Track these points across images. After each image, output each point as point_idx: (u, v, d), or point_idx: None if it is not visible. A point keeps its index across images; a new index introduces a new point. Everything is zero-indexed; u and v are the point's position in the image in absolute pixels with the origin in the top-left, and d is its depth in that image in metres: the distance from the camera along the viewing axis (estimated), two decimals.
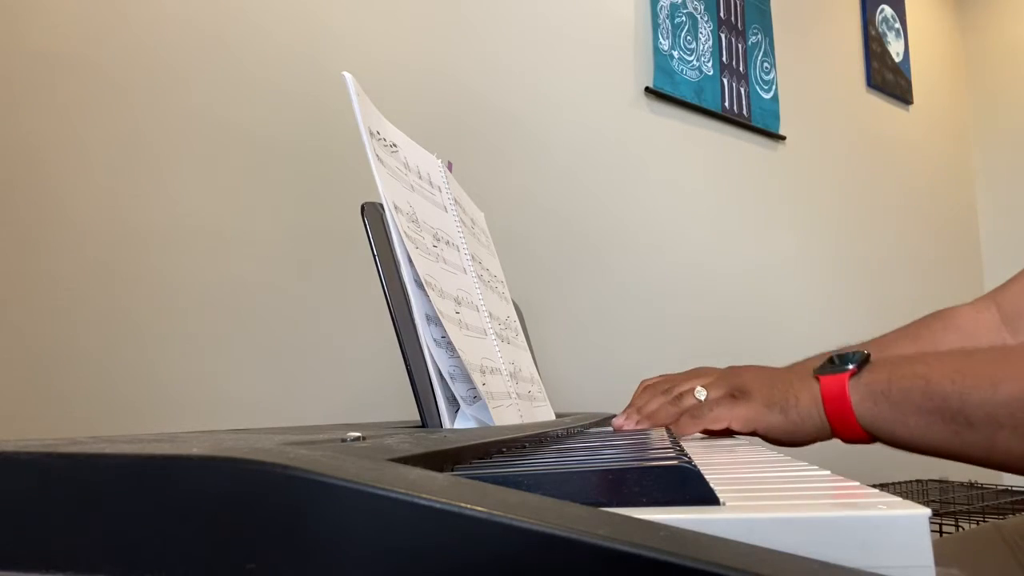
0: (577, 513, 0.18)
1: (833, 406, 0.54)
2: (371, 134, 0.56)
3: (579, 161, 1.54)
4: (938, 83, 2.77)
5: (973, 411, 0.47)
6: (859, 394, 0.53)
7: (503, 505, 0.18)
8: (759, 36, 1.97)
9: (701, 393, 0.61)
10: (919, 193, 2.57)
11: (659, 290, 1.65)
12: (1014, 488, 2.00)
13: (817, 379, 0.55)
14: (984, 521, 1.59)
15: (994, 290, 0.84)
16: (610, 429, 0.73)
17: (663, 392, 0.66)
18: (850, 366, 0.54)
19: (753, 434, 0.58)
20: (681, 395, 0.63)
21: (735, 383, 0.61)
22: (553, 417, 0.79)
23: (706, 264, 1.77)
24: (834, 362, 0.56)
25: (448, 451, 0.32)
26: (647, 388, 0.78)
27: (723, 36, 1.86)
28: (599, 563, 0.16)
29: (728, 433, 0.61)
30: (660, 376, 0.81)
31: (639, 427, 0.63)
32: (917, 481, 2.08)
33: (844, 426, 0.54)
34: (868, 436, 0.53)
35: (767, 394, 0.58)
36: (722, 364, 0.91)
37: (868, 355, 0.55)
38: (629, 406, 0.77)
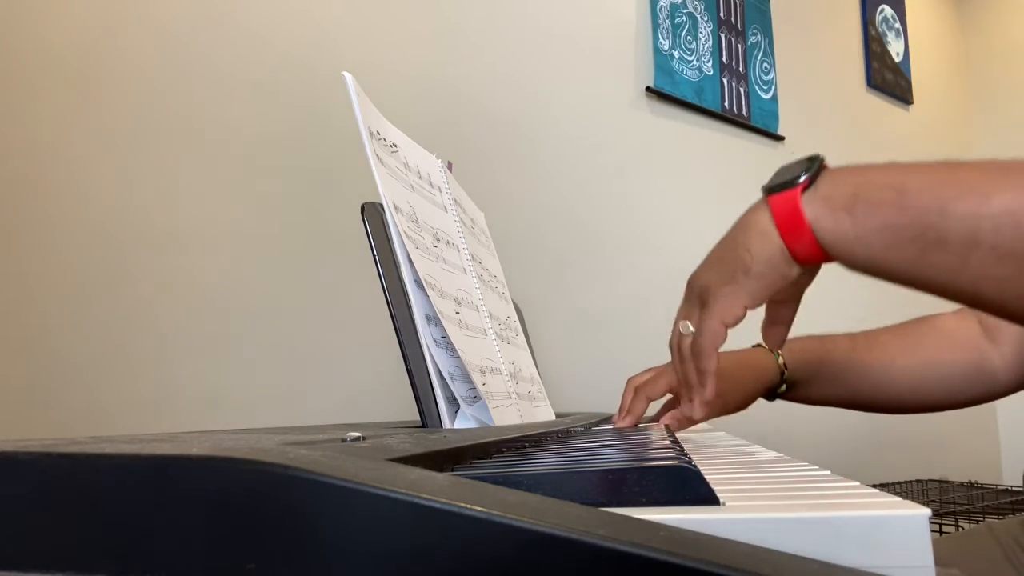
0: (577, 513, 0.18)
1: (786, 227, 0.47)
2: (371, 134, 0.56)
3: (579, 161, 1.54)
4: (938, 83, 2.77)
5: (953, 225, 0.41)
6: (815, 208, 0.46)
7: (503, 505, 0.18)
8: (759, 36, 1.97)
9: (685, 326, 0.55)
10: None
11: (659, 290, 1.65)
12: (1014, 488, 2.00)
13: (767, 201, 0.48)
14: (984, 521, 1.59)
15: None
16: (610, 429, 0.73)
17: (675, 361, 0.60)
18: (802, 177, 0.46)
19: (757, 307, 0.53)
20: (678, 343, 0.57)
21: (693, 290, 0.55)
22: (553, 417, 0.79)
23: None
24: (780, 177, 0.49)
25: (448, 451, 0.32)
26: (644, 384, 0.76)
27: (723, 36, 1.86)
28: (599, 563, 0.16)
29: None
30: (646, 370, 0.80)
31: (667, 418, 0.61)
32: (917, 481, 2.08)
33: (800, 244, 0.47)
34: (826, 255, 0.47)
35: (722, 273, 0.52)
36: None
37: (822, 161, 0.48)
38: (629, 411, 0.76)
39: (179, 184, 1.01)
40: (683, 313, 0.57)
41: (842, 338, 0.83)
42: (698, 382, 0.55)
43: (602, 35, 1.62)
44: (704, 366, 0.54)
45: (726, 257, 0.52)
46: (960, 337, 0.79)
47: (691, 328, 0.55)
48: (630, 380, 0.79)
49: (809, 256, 0.47)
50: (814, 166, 0.47)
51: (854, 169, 0.47)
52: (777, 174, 0.49)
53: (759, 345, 0.83)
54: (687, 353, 0.56)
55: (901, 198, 0.42)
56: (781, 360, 0.81)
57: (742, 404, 0.80)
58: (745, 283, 0.50)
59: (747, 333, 0.72)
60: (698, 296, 0.54)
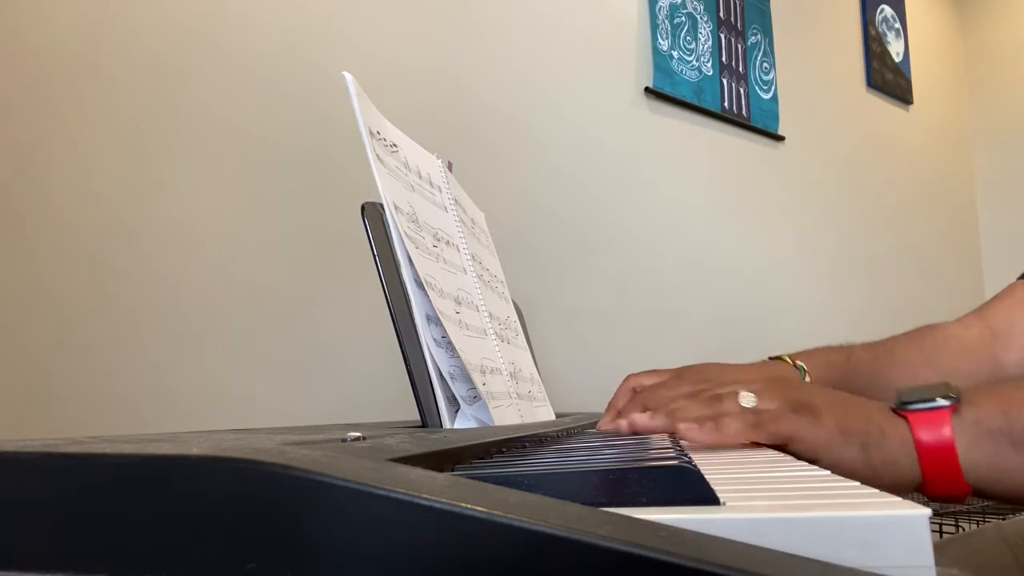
0: (577, 513, 0.18)
1: (931, 451, 0.41)
2: (371, 134, 0.56)
3: (579, 161, 1.54)
4: (938, 83, 2.77)
5: None
6: (967, 437, 0.40)
7: (503, 505, 0.18)
8: (759, 36, 1.97)
9: (748, 400, 0.47)
10: (919, 193, 2.57)
11: (659, 290, 1.65)
12: None
13: (904, 417, 0.42)
14: (984, 521, 1.59)
15: (979, 308, 0.81)
16: (610, 429, 0.72)
17: (689, 395, 0.53)
18: (947, 401, 0.41)
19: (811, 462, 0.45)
20: (720, 397, 0.48)
21: (795, 396, 0.47)
22: (553, 417, 0.79)
23: (706, 264, 1.77)
24: (919, 394, 0.43)
25: (448, 451, 0.32)
26: (647, 389, 0.67)
27: (723, 36, 1.86)
28: (599, 563, 0.16)
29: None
30: (647, 372, 0.72)
31: (654, 428, 0.49)
32: None
33: (943, 477, 0.41)
34: (970, 491, 0.41)
35: (842, 419, 0.44)
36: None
37: (958, 388, 0.42)
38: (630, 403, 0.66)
39: (179, 183, 1.01)
40: (752, 387, 0.48)
41: (862, 349, 0.78)
42: (695, 424, 0.46)
43: (601, 35, 1.62)
44: (730, 436, 0.45)
45: (854, 412, 0.45)
46: (974, 346, 0.77)
47: (752, 404, 0.46)
48: (628, 378, 0.73)
49: (944, 487, 0.41)
50: (954, 390, 0.41)
51: (994, 390, 0.42)
52: (902, 394, 0.43)
53: (777, 357, 0.77)
54: (723, 410, 0.47)
55: None
56: (808, 378, 0.74)
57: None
58: (849, 449, 0.43)
59: (754, 343, 0.72)
60: (791, 398, 0.46)
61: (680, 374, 0.71)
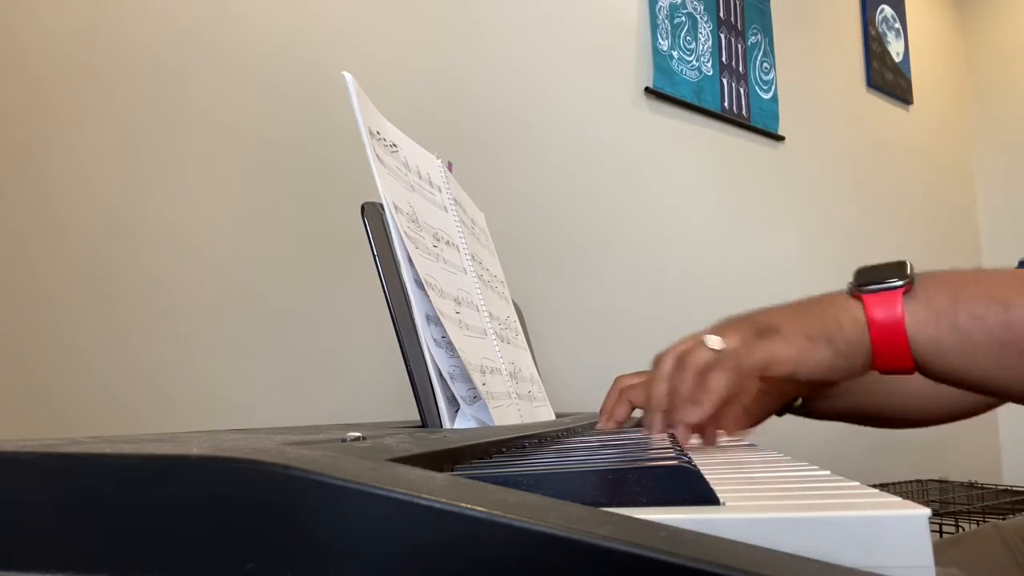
0: (577, 513, 0.18)
1: (882, 329, 0.43)
2: (371, 134, 0.56)
3: (579, 161, 1.54)
4: (938, 83, 2.77)
5: None
6: (917, 315, 0.42)
7: (503, 505, 0.18)
8: (759, 36, 1.97)
9: (715, 342, 0.46)
10: (919, 193, 2.57)
11: (659, 290, 1.65)
12: (1014, 488, 2.00)
13: (859, 298, 0.45)
14: (984, 521, 1.59)
15: None
16: (610, 429, 0.72)
17: (666, 370, 0.50)
18: (900, 282, 0.43)
19: (792, 378, 0.46)
20: (688, 351, 0.47)
21: (756, 322, 0.48)
22: (553, 417, 0.79)
23: (705, 264, 1.77)
24: (873, 277, 0.45)
25: (448, 451, 0.32)
26: (630, 388, 0.67)
27: (723, 36, 1.86)
28: (599, 563, 0.16)
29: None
30: (637, 373, 0.71)
31: (660, 428, 0.47)
32: (917, 481, 2.08)
33: (891, 351, 0.43)
34: (914, 366, 0.44)
35: (801, 325, 0.46)
36: None
37: (911, 266, 0.45)
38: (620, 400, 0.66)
39: (178, 184, 1.01)
40: (716, 331, 0.49)
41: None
42: (691, 399, 0.46)
43: (601, 35, 1.62)
44: (712, 387, 0.45)
45: (810, 316, 0.47)
46: None
47: (720, 344, 0.46)
48: (618, 380, 0.72)
49: (892, 361, 0.44)
50: (908, 270, 0.44)
51: (947, 276, 0.44)
52: (861, 274, 0.46)
53: None
54: (696, 366, 0.46)
55: (1007, 312, 0.41)
56: None
57: (759, 420, 0.73)
58: (819, 350, 0.45)
59: None
60: (753, 327, 0.47)
61: (733, 324, 0.69)
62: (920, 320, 0.43)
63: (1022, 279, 0.43)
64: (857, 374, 0.46)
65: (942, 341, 0.42)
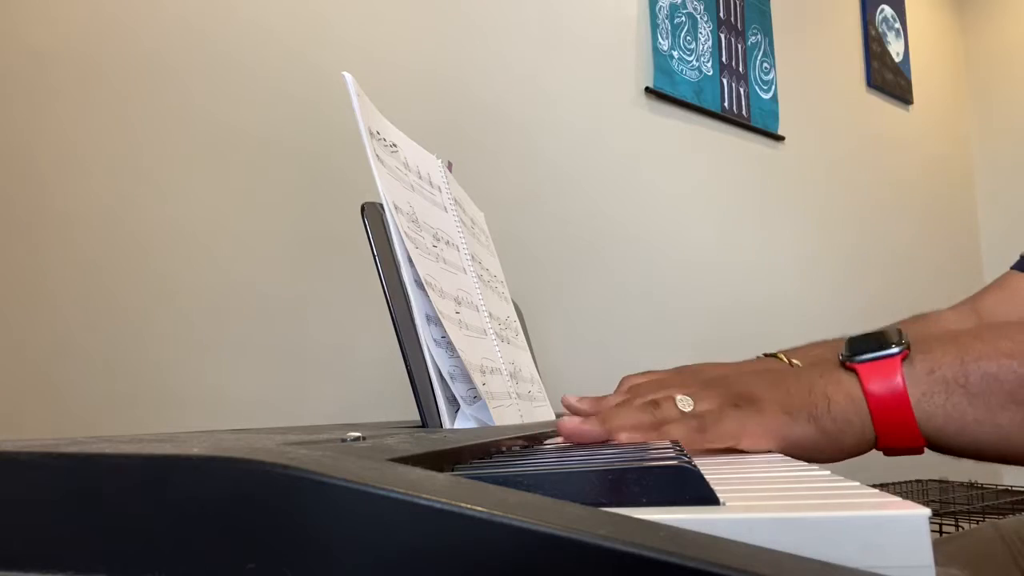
0: (577, 513, 0.18)
1: (883, 404, 0.39)
2: (371, 134, 0.56)
3: (579, 161, 1.54)
4: (938, 83, 2.77)
5: None
6: (921, 385, 0.38)
7: (503, 505, 0.18)
8: (759, 36, 1.97)
9: (685, 403, 0.43)
10: (919, 193, 2.57)
11: (659, 290, 1.65)
12: (1014, 488, 2.00)
13: (852, 369, 0.40)
14: (984, 521, 1.59)
15: (972, 297, 0.80)
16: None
17: (624, 395, 0.51)
18: (896, 348, 0.39)
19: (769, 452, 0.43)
20: (656, 403, 0.44)
21: (734, 389, 0.44)
22: (553, 417, 0.79)
23: (705, 264, 1.77)
24: (867, 344, 0.40)
25: (448, 451, 0.32)
26: (638, 387, 0.63)
27: (723, 36, 1.86)
28: (599, 563, 0.16)
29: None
30: (645, 372, 0.71)
31: (592, 439, 0.43)
32: (917, 481, 2.08)
33: (897, 430, 0.39)
34: (924, 443, 0.40)
35: (783, 398, 0.42)
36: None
37: (907, 335, 0.40)
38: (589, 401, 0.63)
39: (178, 184, 1.01)
40: (687, 390, 0.45)
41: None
42: (603, 433, 0.43)
43: (602, 35, 1.62)
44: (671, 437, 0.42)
45: (795, 388, 0.42)
46: None
47: (688, 407, 0.43)
48: (625, 379, 0.70)
49: (898, 439, 0.39)
50: (903, 337, 0.39)
51: (945, 337, 0.40)
52: (851, 343, 0.41)
53: (772, 355, 0.76)
54: (659, 420, 0.43)
55: (1023, 366, 0.36)
56: None
57: None
58: (798, 426, 0.40)
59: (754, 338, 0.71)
60: (730, 392, 0.44)
61: (677, 374, 0.70)
62: (926, 390, 0.38)
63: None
64: (846, 456, 0.41)
65: (955, 411, 0.38)
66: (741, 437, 0.41)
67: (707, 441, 0.41)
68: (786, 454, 0.41)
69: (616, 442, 0.42)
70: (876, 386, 0.39)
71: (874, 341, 0.41)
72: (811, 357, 0.74)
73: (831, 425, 0.40)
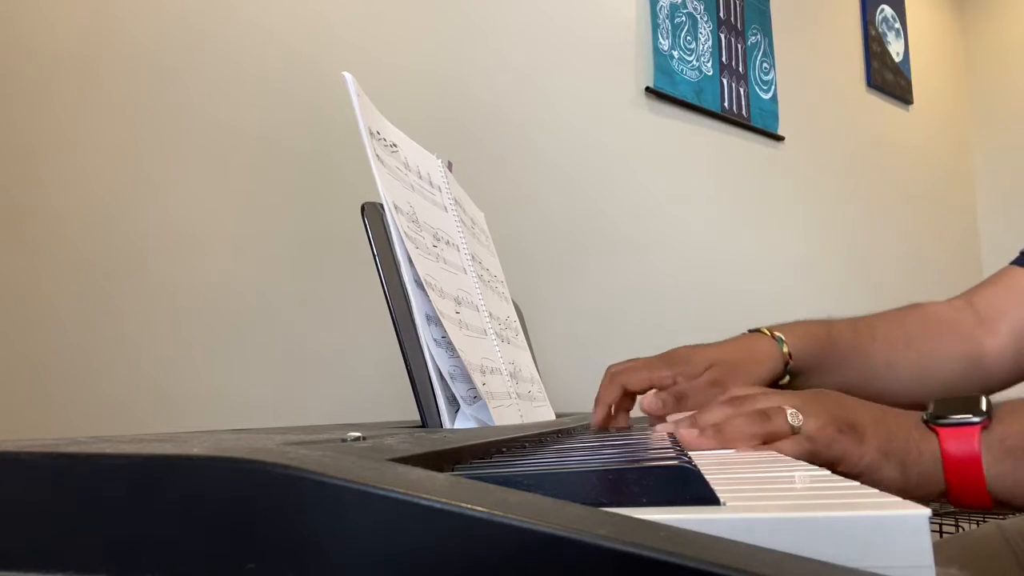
0: (577, 513, 0.18)
1: (958, 468, 0.43)
2: (371, 134, 0.56)
3: (579, 161, 1.54)
4: (938, 83, 2.77)
5: None
6: (993, 453, 0.42)
7: (503, 505, 0.18)
8: (758, 36, 1.97)
9: (796, 418, 0.46)
10: (919, 193, 2.57)
11: (659, 290, 1.65)
12: None
13: (934, 431, 0.45)
14: (984, 522, 1.59)
15: (968, 291, 0.81)
16: (610, 429, 0.73)
17: (729, 403, 0.51)
18: (977, 418, 0.43)
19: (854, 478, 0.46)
20: (767, 414, 0.47)
21: (839, 414, 0.47)
22: (553, 417, 0.79)
23: (706, 264, 1.77)
24: (952, 409, 0.45)
25: (448, 451, 0.32)
26: (621, 372, 0.68)
27: (723, 36, 1.86)
28: (599, 563, 0.16)
29: None
30: (630, 363, 0.72)
31: (703, 446, 0.46)
32: None
33: (968, 491, 0.43)
34: (992, 502, 0.44)
35: (884, 438, 0.45)
36: None
37: (989, 401, 0.44)
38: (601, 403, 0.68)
39: (179, 183, 1.01)
40: (794, 403, 0.48)
41: (843, 323, 0.78)
42: (745, 443, 0.46)
43: (602, 35, 1.62)
44: (778, 450, 0.45)
45: (895, 431, 0.46)
46: (956, 327, 0.76)
47: (799, 419, 0.46)
48: (609, 368, 0.72)
49: (968, 499, 0.44)
50: (984, 405, 0.43)
51: (1014, 404, 0.43)
52: (938, 405, 0.45)
53: (756, 330, 0.76)
54: (773, 430, 0.46)
55: None
56: (786, 348, 0.73)
57: None
58: (889, 469, 0.44)
59: (742, 319, 0.71)
60: (836, 417, 0.47)
61: (663, 359, 0.71)
62: (997, 457, 0.42)
63: None
64: (926, 501, 0.45)
65: (1020, 476, 0.42)
66: (842, 462, 0.45)
67: (813, 459, 0.44)
68: (867, 483, 0.42)
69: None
70: (953, 447, 0.43)
71: (958, 406, 0.44)
72: (798, 332, 0.75)
73: (915, 476, 0.44)
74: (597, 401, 0.69)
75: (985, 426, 0.43)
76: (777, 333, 0.74)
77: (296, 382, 1.08)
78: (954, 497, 0.44)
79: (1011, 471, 0.42)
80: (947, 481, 0.44)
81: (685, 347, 0.74)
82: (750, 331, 0.77)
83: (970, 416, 0.44)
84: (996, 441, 0.43)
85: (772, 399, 0.49)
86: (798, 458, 0.43)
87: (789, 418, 0.46)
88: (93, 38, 0.96)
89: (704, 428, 0.47)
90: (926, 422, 0.46)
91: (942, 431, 0.44)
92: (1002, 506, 0.44)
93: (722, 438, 0.46)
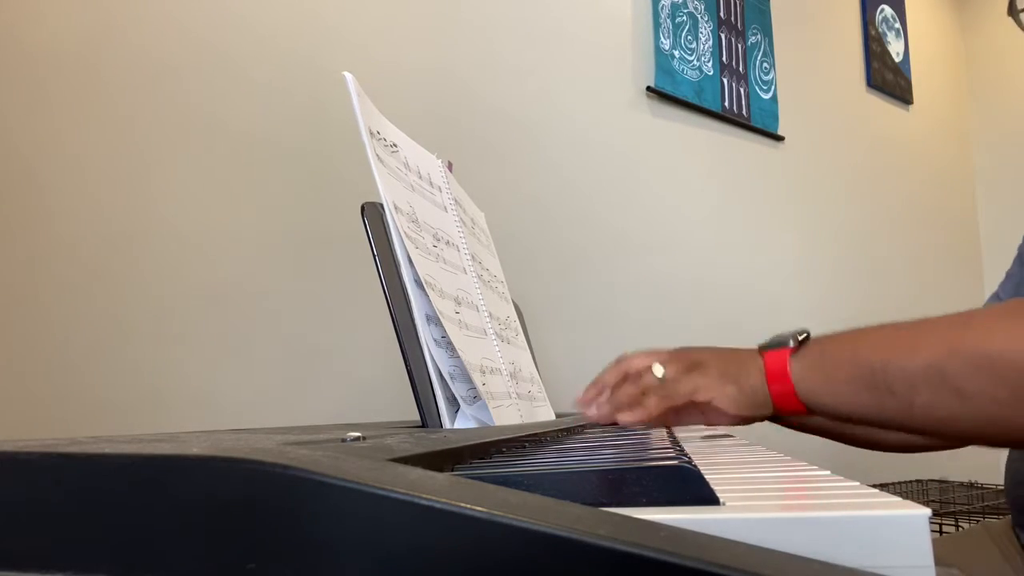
0: (577, 513, 0.18)
1: (775, 381, 0.56)
2: (371, 134, 0.56)
3: (580, 161, 1.54)
4: (938, 83, 2.77)
5: (894, 377, 0.50)
6: (797, 367, 0.56)
7: (503, 505, 0.18)
8: (759, 36, 1.97)
9: (659, 370, 0.61)
10: (919, 193, 2.57)
11: (659, 290, 1.65)
12: None
13: (761, 354, 0.59)
14: (984, 521, 1.59)
15: None
16: (611, 429, 0.73)
17: (616, 378, 0.66)
18: (791, 343, 0.57)
19: (708, 405, 0.60)
20: (639, 373, 0.63)
21: (691, 357, 0.62)
22: (553, 417, 0.79)
23: (705, 264, 1.77)
24: (778, 339, 0.59)
25: (448, 451, 0.32)
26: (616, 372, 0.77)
27: (723, 36, 1.86)
28: (599, 563, 0.16)
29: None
30: (641, 352, 0.77)
31: (604, 419, 0.62)
32: (917, 481, 2.08)
33: (784, 400, 0.56)
34: (804, 407, 0.56)
35: (722, 367, 0.60)
36: None
37: (808, 332, 0.58)
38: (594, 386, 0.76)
39: (179, 183, 1.01)
40: (659, 359, 0.63)
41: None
42: (627, 408, 0.60)
43: (603, 35, 1.62)
44: (654, 413, 0.59)
45: (731, 360, 0.60)
46: None
47: (661, 373, 0.61)
48: (622, 356, 0.78)
49: (785, 403, 0.56)
50: (802, 333, 0.57)
51: (822, 336, 0.57)
52: (773, 339, 0.59)
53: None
54: (644, 385, 0.61)
55: (855, 355, 0.52)
56: None
57: (720, 423, 0.79)
58: (728, 387, 0.58)
59: (746, 332, 0.72)
60: (689, 360, 0.61)
61: (674, 355, 0.75)
62: (807, 368, 0.55)
63: (873, 329, 0.54)
64: (762, 413, 0.59)
65: (813, 385, 0.55)
66: (695, 392, 0.59)
67: (674, 401, 0.59)
68: (722, 408, 0.59)
69: (618, 420, 0.60)
70: (772, 367, 0.57)
71: (782, 337, 0.58)
72: None
73: (748, 389, 0.58)
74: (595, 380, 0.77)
75: (795, 350, 0.56)
76: None
77: (296, 382, 1.08)
78: (776, 406, 0.57)
79: (809, 381, 0.55)
80: (769, 391, 0.57)
81: (692, 347, 0.80)
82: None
83: (786, 342, 0.57)
84: (800, 359, 0.56)
85: (645, 360, 0.63)
86: (663, 404, 0.59)
87: (654, 371, 0.61)
88: (93, 39, 0.96)
89: (601, 404, 0.63)
90: (758, 349, 0.59)
91: (765, 353, 0.58)
92: (815, 412, 0.56)
93: (614, 406, 0.61)
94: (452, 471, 0.30)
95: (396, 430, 0.47)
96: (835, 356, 0.54)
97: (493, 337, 0.66)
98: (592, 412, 0.63)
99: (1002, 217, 2.78)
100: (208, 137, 1.04)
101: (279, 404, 1.05)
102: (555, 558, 0.17)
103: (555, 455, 0.37)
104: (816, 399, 0.55)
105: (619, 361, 0.77)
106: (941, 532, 1.58)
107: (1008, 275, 0.89)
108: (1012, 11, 0.88)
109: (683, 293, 1.70)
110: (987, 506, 1.83)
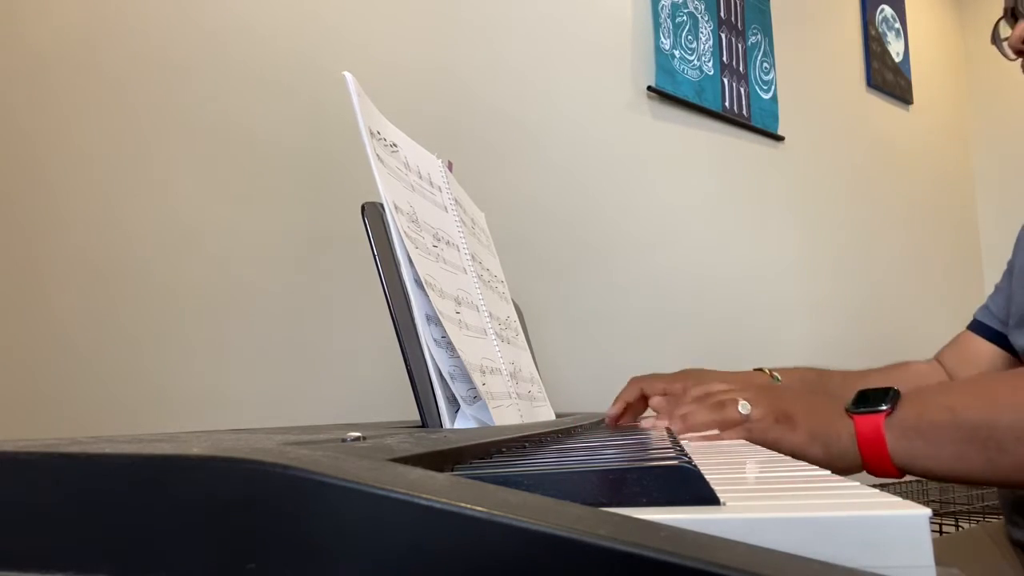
0: (577, 513, 0.18)
1: (869, 446, 0.55)
2: (371, 134, 0.56)
3: (580, 161, 1.54)
4: (938, 83, 2.77)
5: (1004, 436, 0.49)
6: (893, 433, 0.54)
7: (504, 505, 0.18)
8: (759, 36, 1.97)
9: (745, 408, 0.59)
10: (919, 193, 2.57)
11: (659, 290, 1.65)
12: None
13: (851, 417, 0.57)
14: (984, 521, 1.59)
15: (939, 352, 0.95)
16: (610, 429, 0.73)
17: (697, 400, 0.64)
18: (883, 406, 0.55)
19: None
20: (723, 404, 0.61)
21: (779, 406, 0.60)
22: (553, 417, 0.79)
23: (705, 264, 1.77)
24: (867, 399, 0.57)
25: (448, 451, 0.32)
26: (644, 378, 0.80)
27: (723, 36, 1.86)
28: (599, 563, 0.16)
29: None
30: (652, 375, 0.82)
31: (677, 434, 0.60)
32: (917, 481, 2.08)
33: (878, 464, 0.55)
34: (900, 472, 0.55)
35: (812, 425, 0.58)
36: (721, 365, 0.92)
37: (898, 392, 0.56)
38: (621, 401, 0.80)
39: (179, 183, 1.01)
40: (746, 396, 0.61)
41: (836, 372, 0.89)
42: (684, 429, 0.60)
43: (604, 34, 1.62)
44: (726, 439, 0.58)
45: (819, 418, 0.59)
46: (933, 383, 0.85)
47: (747, 412, 0.59)
48: (633, 379, 0.83)
49: (878, 469, 0.55)
50: (892, 395, 0.56)
51: (914, 394, 0.56)
52: (856, 398, 0.58)
53: (759, 369, 0.87)
54: (726, 417, 0.59)
55: (955, 416, 0.52)
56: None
57: None
58: (815, 448, 0.57)
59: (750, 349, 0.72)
60: (776, 408, 0.60)
61: (680, 377, 0.82)
62: (896, 437, 0.54)
63: (967, 386, 0.55)
64: (841, 475, 0.56)
65: (914, 451, 0.54)
66: (777, 445, 0.57)
67: (753, 441, 0.57)
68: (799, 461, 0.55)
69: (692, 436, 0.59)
70: (865, 433, 0.55)
71: (869, 398, 0.57)
72: (794, 376, 0.88)
73: (836, 452, 0.56)
74: (617, 398, 0.81)
75: (888, 413, 0.55)
76: (775, 373, 0.87)
77: (296, 382, 1.08)
78: (868, 468, 0.56)
79: (907, 447, 0.54)
80: (861, 456, 0.56)
81: (703, 370, 0.87)
82: (755, 369, 0.90)
83: (877, 406, 0.55)
84: (896, 424, 0.54)
85: (729, 392, 0.62)
86: (743, 438, 0.57)
87: (740, 408, 0.59)
88: (94, 38, 0.96)
89: (674, 419, 0.61)
90: (847, 411, 0.57)
91: (856, 418, 0.56)
92: (905, 472, 0.55)
93: (686, 425, 0.60)
94: (452, 471, 0.30)
95: (396, 430, 0.47)
96: (933, 419, 0.53)
97: (493, 337, 0.66)
98: (673, 426, 0.61)
99: (1002, 217, 2.78)
100: (208, 137, 1.04)
101: (279, 404, 1.05)
102: (555, 558, 0.17)
103: (555, 455, 0.37)
104: (914, 463, 0.54)
105: (693, 379, 0.80)
106: (941, 532, 1.58)
107: (997, 288, 0.92)
108: (995, 40, 0.89)
109: (683, 293, 1.70)
110: (987, 506, 1.83)
